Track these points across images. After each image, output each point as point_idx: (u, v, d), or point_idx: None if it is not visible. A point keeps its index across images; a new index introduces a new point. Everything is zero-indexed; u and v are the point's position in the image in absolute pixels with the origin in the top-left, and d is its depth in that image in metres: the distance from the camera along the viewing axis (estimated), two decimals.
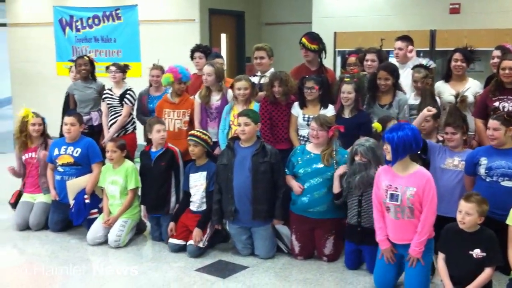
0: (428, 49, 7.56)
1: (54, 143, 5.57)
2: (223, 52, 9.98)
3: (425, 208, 3.86)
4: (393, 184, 3.95)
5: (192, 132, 5.06)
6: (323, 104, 5.07)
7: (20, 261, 4.89)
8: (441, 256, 3.92)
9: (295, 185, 4.68)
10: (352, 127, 4.82)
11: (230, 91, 5.35)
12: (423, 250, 3.89)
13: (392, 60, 5.89)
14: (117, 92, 6.14)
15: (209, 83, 5.40)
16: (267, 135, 5.11)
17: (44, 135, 5.72)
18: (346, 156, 4.56)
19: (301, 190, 4.65)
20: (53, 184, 5.49)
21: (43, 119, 5.71)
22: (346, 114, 5.03)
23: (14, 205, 5.69)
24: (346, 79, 5.03)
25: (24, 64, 11.07)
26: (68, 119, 5.46)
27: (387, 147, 3.90)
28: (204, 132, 5.08)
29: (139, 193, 5.37)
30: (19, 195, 5.72)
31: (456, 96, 4.85)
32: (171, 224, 5.02)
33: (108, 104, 6.15)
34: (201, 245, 4.85)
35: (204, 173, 4.98)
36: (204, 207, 4.98)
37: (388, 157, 3.93)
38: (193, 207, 5.05)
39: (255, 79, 5.54)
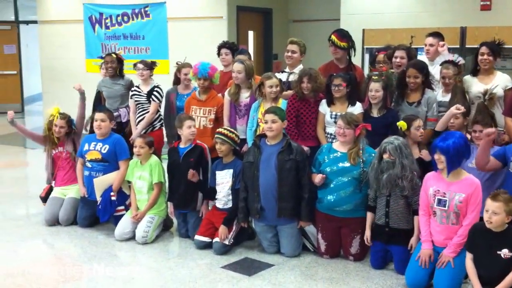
0: (458, 46, 7.45)
1: (86, 138, 5.64)
2: (250, 49, 9.99)
3: (470, 214, 3.93)
4: (442, 190, 4.01)
5: (219, 130, 5.06)
6: (351, 102, 5.03)
7: (49, 255, 4.97)
8: (469, 256, 3.87)
9: (317, 176, 4.64)
10: (380, 126, 4.78)
11: (268, 88, 5.32)
12: (456, 253, 3.93)
13: (422, 57, 5.81)
14: (145, 89, 6.17)
15: (240, 80, 5.39)
16: (292, 132, 5.09)
17: (70, 133, 5.78)
18: (373, 154, 4.53)
19: (321, 179, 4.61)
20: (82, 181, 5.56)
21: (68, 120, 5.74)
22: (375, 113, 4.98)
23: (44, 199, 5.77)
24: (374, 77, 4.98)
25: (54, 61, 11.24)
26: (98, 115, 5.51)
27: (440, 157, 3.97)
28: (231, 130, 5.07)
29: (166, 189, 5.40)
30: (49, 189, 5.80)
31: (485, 94, 4.77)
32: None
33: (136, 101, 6.19)
34: (227, 242, 4.86)
35: (231, 171, 4.98)
36: (230, 204, 4.99)
37: (441, 166, 4.01)
38: (219, 204, 5.06)
39: (283, 76, 5.52)
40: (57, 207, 5.63)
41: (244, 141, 5.35)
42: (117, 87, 6.43)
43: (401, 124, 4.63)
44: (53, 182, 5.81)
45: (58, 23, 11.00)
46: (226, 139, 4.95)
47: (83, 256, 4.89)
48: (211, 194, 5.13)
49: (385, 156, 4.31)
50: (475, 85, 5.09)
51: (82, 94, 5.90)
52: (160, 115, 6.22)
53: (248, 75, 5.39)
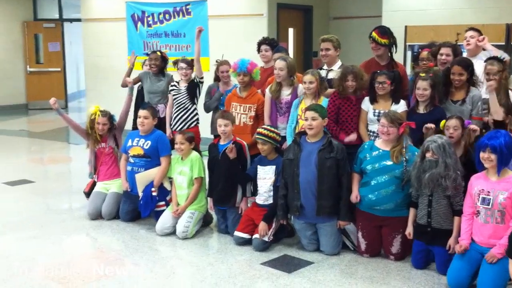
0: (503, 43, 7.26)
1: (130, 135, 5.73)
2: (290, 46, 9.96)
3: None
4: (486, 188, 3.96)
5: (260, 130, 5.05)
6: (395, 100, 4.97)
7: (92, 249, 5.06)
8: (511, 263, 3.78)
9: (354, 191, 4.67)
10: (426, 123, 4.70)
11: (300, 86, 5.33)
12: (504, 253, 3.85)
13: (465, 54, 5.69)
14: (183, 85, 6.18)
15: (281, 78, 5.38)
16: (333, 128, 5.05)
17: (112, 129, 5.88)
18: (416, 153, 4.46)
19: (357, 201, 4.65)
20: (125, 176, 5.64)
21: (110, 117, 5.85)
22: (421, 110, 4.90)
23: (88, 194, 5.88)
24: (421, 74, 4.90)
25: (97, 58, 11.42)
26: (142, 112, 5.58)
27: (490, 156, 3.91)
28: (272, 129, 5.06)
29: (206, 185, 5.44)
30: (93, 185, 5.91)
31: None
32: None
33: (174, 95, 6.21)
34: (266, 239, 4.86)
35: (274, 167, 4.99)
36: (270, 200, 5.00)
37: (489, 165, 3.97)
38: (259, 200, 5.07)
39: (321, 73, 5.49)
40: (100, 201, 5.73)
41: (285, 138, 5.34)
42: (159, 83, 6.50)
43: (441, 123, 4.57)
44: (96, 177, 5.92)
45: (102, 21, 11.18)
46: (267, 139, 4.95)
47: (125, 250, 4.97)
48: (247, 180, 5.17)
49: (428, 155, 4.24)
50: None
51: (131, 89, 6.06)
52: (196, 112, 6.22)
53: (290, 73, 5.37)
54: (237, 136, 5.31)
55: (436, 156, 4.19)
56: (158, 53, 6.60)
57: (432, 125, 4.65)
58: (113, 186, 5.79)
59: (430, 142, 4.24)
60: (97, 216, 5.69)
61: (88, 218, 5.69)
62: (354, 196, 4.68)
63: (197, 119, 6.24)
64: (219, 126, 5.19)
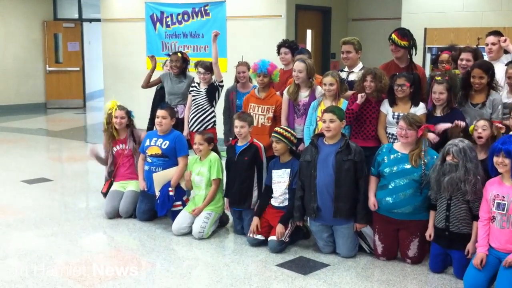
0: None
1: (148, 135, 5.76)
2: (308, 48, 9.93)
3: None
4: (501, 193, 3.92)
5: (277, 128, 5.06)
6: (414, 102, 4.93)
7: (109, 247, 5.09)
8: None
9: (371, 198, 4.64)
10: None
11: (319, 88, 5.31)
12: None
13: (486, 58, 5.63)
14: (203, 87, 6.19)
15: (300, 80, 5.35)
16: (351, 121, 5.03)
17: (130, 126, 5.88)
18: (435, 157, 4.42)
19: (375, 208, 4.63)
20: (143, 175, 5.66)
21: (128, 112, 5.86)
22: (438, 113, 4.86)
23: (105, 194, 5.91)
24: (437, 78, 4.86)
25: (115, 58, 11.50)
26: (160, 112, 5.60)
27: (504, 160, 3.87)
28: (288, 129, 5.05)
29: (224, 186, 5.45)
30: (110, 185, 5.93)
31: None
32: (255, 220, 5.03)
33: (193, 96, 6.22)
34: (282, 239, 4.85)
35: (288, 170, 4.98)
36: (285, 203, 4.99)
37: (504, 170, 3.92)
38: (275, 202, 5.06)
39: (342, 75, 5.46)
40: (117, 200, 5.76)
41: (300, 140, 5.33)
42: (180, 84, 6.48)
43: (470, 128, 4.53)
44: (114, 178, 5.94)
45: (121, 21, 11.25)
46: (282, 138, 4.94)
47: (142, 249, 4.99)
48: (266, 195, 5.13)
49: (448, 158, 4.19)
50: None
51: None
52: (214, 115, 6.22)
53: (309, 75, 5.35)
54: (254, 137, 5.30)
55: (457, 159, 4.15)
56: (179, 54, 6.58)
57: (463, 123, 4.59)
58: (130, 185, 5.81)
59: (451, 145, 4.20)
60: (115, 214, 5.73)
61: (106, 217, 5.72)
62: (372, 204, 4.65)
63: (214, 120, 6.24)
64: (235, 127, 5.20)
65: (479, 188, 4.15)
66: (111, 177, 5.95)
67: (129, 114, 5.88)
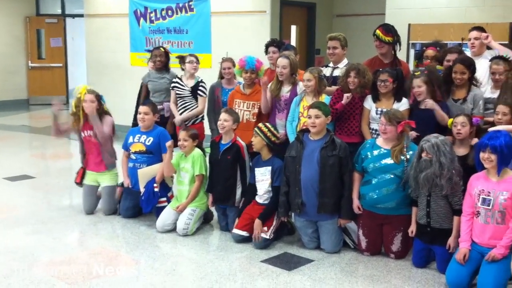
0: (507, 42, 7.24)
1: (130, 131, 5.71)
2: (293, 43, 9.94)
3: None
4: (486, 189, 3.94)
5: (260, 124, 5.08)
6: (397, 98, 4.95)
7: (93, 245, 5.04)
8: None
9: (355, 201, 4.67)
10: (428, 118, 4.71)
11: (301, 83, 5.31)
12: (505, 254, 3.85)
13: (467, 53, 5.67)
14: (189, 83, 6.20)
15: (284, 76, 5.34)
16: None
17: (100, 112, 5.62)
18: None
19: (359, 212, 4.67)
20: (127, 172, 5.62)
21: (98, 95, 5.62)
22: (423, 105, 4.88)
23: (80, 184, 5.80)
24: (416, 73, 4.90)
25: (99, 54, 11.40)
26: (142, 108, 5.57)
27: (490, 156, 3.89)
28: (269, 127, 5.02)
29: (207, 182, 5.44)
30: (83, 174, 5.80)
31: None
32: (258, 224, 4.92)
33: (177, 94, 6.22)
34: (267, 236, 4.85)
35: (269, 168, 4.98)
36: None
37: (490, 165, 3.93)
38: (259, 199, 5.07)
39: (326, 71, 5.46)
40: (93, 196, 5.77)
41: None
42: (163, 80, 6.49)
43: (449, 121, 4.56)
44: (86, 165, 5.83)
45: (104, 16, 11.15)
46: (258, 132, 4.95)
47: (126, 246, 4.97)
48: (251, 193, 5.14)
49: (423, 155, 4.23)
50: None
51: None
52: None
53: (292, 70, 5.35)
54: (239, 133, 5.30)
55: (430, 155, 4.18)
56: (162, 49, 6.61)
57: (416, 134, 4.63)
58: (103, 180, 5.74)
59: (424, 141, 4.24)
60: (93, 211, 5.75)
61: (85, 214, 5.72)
62: (356, 207, 4.68)
63: (202, 116, 6.23)
64: (219, 119, 5.20)
65: (456, 182, 4.19)
66: (83, 165, 5.84)
67: (99, 98, 5.64)
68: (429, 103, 4.72)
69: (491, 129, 4.27)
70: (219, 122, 5.20)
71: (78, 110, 5.68)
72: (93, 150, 5.75)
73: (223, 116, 5.18)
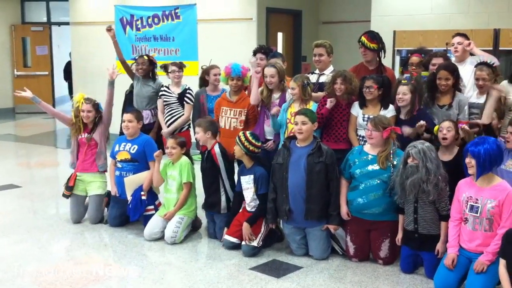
0: (491, 48, 7.32)
1: (118, 140, 5.68)
2: (279, 51, 9.97)
3: (505, 222, 3.87)
4: (474, 196, 3.96)
5: (240, 133, 5.07)
6: (384, 105, 4.98)
7: (79, 254, 5.00)
8: (502, 263, 3.79)
9: (343, 208, 4.68)
10: (411, 126, 4.71)
11: (289, 90, 5.32)
12: (492, 260, 3.86)
13: (453, 59, 5.73)
14: (176, 90, 6.20)
15: (273, 85, 5.34)
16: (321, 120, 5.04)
17: (99, 119, 5.72)
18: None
19: (348, 218, 4.67)
20: (114, 181, 5.60)
21: (95, 104, 5.69)
22: (402, 116, 4.92)
23: (71, 188, 5.71)
24: (402, 81, 4.93)
25: (85, 62, 11.37)
26: (126, 116, 5.55)
27: (471, 161, 3.91)
28: (248, 137, 4.98)
29: (197, 190, 5.43)
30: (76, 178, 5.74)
31: None
32: (225, 230, 5.05)
33: (165, 101, 6.22)
34: (255, 244, 4.85)
35: (252, 177, 4.99)
36: None
37: (471, 171, 3.96)
38: (248, 207, 5.07)
39: (312, 78, 5.48)
40: (81, 206, 5.73)
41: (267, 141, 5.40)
42: (146, 88, 6.48)
43: (435, 128, 4.60)
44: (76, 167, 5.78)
45: (90, 24, 11.12)
46: (237, 141, 4.96)
47: (113, 255, 4.94)
48: (237, 201, 5.16)
49: (409, 161, 4.25)
50: None
51: (111, 83, 5.84)
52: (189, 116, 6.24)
53: (281, 78, 5.36)
54: (226, 140, 5.31)
55: (417, 161, 4.20)
56: (145, 57, 6.60)
57: (423, 122, 4.64)
58: (92, 188, 5.71)
59: (410, 147, 4.27)
60: (80, 220, 5.72)
61: (72, 223, 5.69)
62: (344, 214, 4.69)
63: (189, 124, 6.23)
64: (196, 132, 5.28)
65: (442, 187, 4.22)
66: (75, 166, 5.79)
67: (97, 107, 5.71)
68: (406, 132, 4.73)
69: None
70: (195, 136, 5.26)
71: (78, 120, 5.71)
72: (87, 152, 5.73)
73: (195, 129, 5.23)
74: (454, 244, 4.08)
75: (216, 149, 5.18)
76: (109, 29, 6.83)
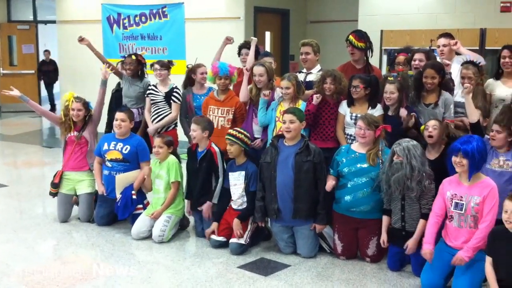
0: (477, 48, 7.38)
1: (104, 137, 5.64)
2: (267, 49, 9.98)
3: (486, 217, 3.89)
4: (459, 193, 3.98)
5: (230, 131, 5.07)
6: (371, 104, 5.00)
7: (67, 253, 4.98)
8: (488, 260, 3.82)
9: (329, 181, 4.66)
10: (396, 124, 4.74)
11: (278, 89, 5.33)
12: (471, 257, 3.87)
13: (439, 59, 5.76)
14: (163, 89, 6.17)
15: (262, 83, 5.35)
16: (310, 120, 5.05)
17: (89, 118, 5.71)
18: None
19: (331, 186, 4.63)
20: (101, 179, 5.57)
21: (85, 103, 5.68)
22: (390, 112, 4.95)
23: (57, 185, 5.69)
24: (389, 78, 4.96)
25: (72, 60, 11.30)
26: (119, 115, 5.50)
27: (462, 160, 3.93)
28: (241, 130, 5.04)
29: (184, 189, 5.42)
30: (61, 175, 5.71)
31: None
32: (214, 225, 5.03)
33: (152, 100, 6.19)
34: (243, 241, 4.85)
35: (243, 173, 4.98)
36: (245, 205, 4.99)
37: (460, 169, 3.98)
38: (234, 205, 5.06)
39: (300, 76, 5.50)
40: (68, 205, 5.71)
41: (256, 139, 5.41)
42: (134, 88, 6.43)
43: (421, 127, 4.63)
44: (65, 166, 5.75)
45: (77, 23, 11.06)
46: (235, 140, 4.95)
47: (101, 254, 4.92)
48: (225, 198, 5.14)
49: (395, 158, 4.29)
50: (499, 88, 5.06)
51: (103, 82, 5.85)
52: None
53: (270, 77, 5.36)
54: (214, 139, 5.29)
55: (401, 158, 4.24)
56: (133, 56, 6.53)
57: (413, 114, 4.70)
58: (81, 186, 5.68)
59: (395, 145, 4.31)
60: (67, 219, 5.69)
61: (59, 222, 5.66)
62: (329, 184, 4.65)
63: (176, 123, 6.21)
64: (191, 130, 5.23)
65: (425, 185, 4.26)
66: (61, 168, 5.76)
67: (86, 105, 5.70)
68: (402, 114, 4.76)
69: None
70: (190, 133, 5.21)
71: (67, 119, 5.67)
72: (75, 150, 5.69)
73: (192, 126, 5.20)
74: (430, 241, 4.08)
75: (216, 148, 5.18)
76: (81, 39, 6.73)
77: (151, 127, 6.13)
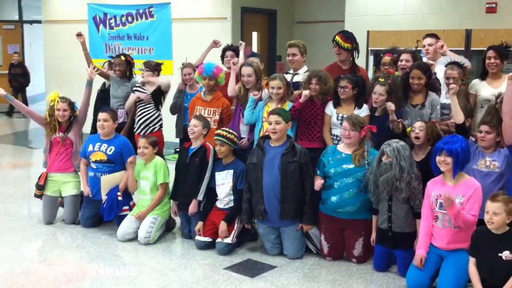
0: (463, 48, 7.43)
1: (89, 139, 5.60)
2: (254, 50, 9.99)
3: (470, 211, 3.92)
4: (443, 194, 3.97)
5: (218, 131, 5.05)
6: (358, 104, 5.02)
7: (52, 255, 4.95)
8: (472, 261, 3.85)
9: (317, 182, 4.66)
10: (383, 125, 4.76)
11: (265, 90, 5.32)
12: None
13: (424, 60, 5.79)
14: (150, 88, 6.12)
15: (251, 84, 5.34)
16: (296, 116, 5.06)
17: (74, 118, 5.66)
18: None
19: (320, 184, 4.63)
20: (86, 181, 5.53)
21: (71, 103, 5.64)
22: (377, 113, 4.97)
23: (42, 187, 5.63)
24: (380, 80, 4.97)
25: (58, 60, 11.25)
26: (101, 115, 5.47)
27: (446, 159, 3.96)
28: (230, 131, 5.04)
29: (170, 189, 5.40)
30: (47, 177, 5.66)
31: (497, 97, 4.75)
32: (199, 224, 5.02)
33: (138, 98, 6.13)
34: (229, 241, 4.85)
35: (231, 172, 4.98)
36: (231, 204, 4.99)
37: (445, 168, 4.02)
38: (220, 204, 5.06)
39: (287, 77, 5.49)
40: (53, 207, 5.66)
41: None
42: (122, 88, 6.41)
43: (408, 129, 4.66)
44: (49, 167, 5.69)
45: (63, 23, 11.01)
46: (225, 140, 4.94)
47: (86, 256, 4.89)
48: (211, 198, 5.12)
49: (383, 158, 4.30)
50: (484, 89, 5.09)
51: (89, 83, 5.78)
52: (160, 116, 6.16)
53: (258, 77, 5.36)
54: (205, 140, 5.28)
55: (391, 159, 4.25)
56: (122, 57, 6.49)
57: (401, 120, 4.73)
58: (67, 188, 5.63)
59: (385, 145, 4.32)
60: (52, 221, 5.65)
61: (44, 224, 5.62)
62: (318, 183, 4.65)
63: (161, 124, 6.19)
64: (189, 126, 5.20)
65: (415, 186, 4.27)
66: (47, 165, 5.70)
67: (72, 106, 5.65)
68: (390, 108, 4.78)
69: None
70: (188, 128, 5.19)
71: (52, 119, 5.61)
72: (60, 151, 5.64)
73: (193, 121, 5.17)
74: (423, 246, 4.12)
75: (211, 146, 5.18)
76: (79, 35, 6.73)
77: (144, 94, 6.03)
